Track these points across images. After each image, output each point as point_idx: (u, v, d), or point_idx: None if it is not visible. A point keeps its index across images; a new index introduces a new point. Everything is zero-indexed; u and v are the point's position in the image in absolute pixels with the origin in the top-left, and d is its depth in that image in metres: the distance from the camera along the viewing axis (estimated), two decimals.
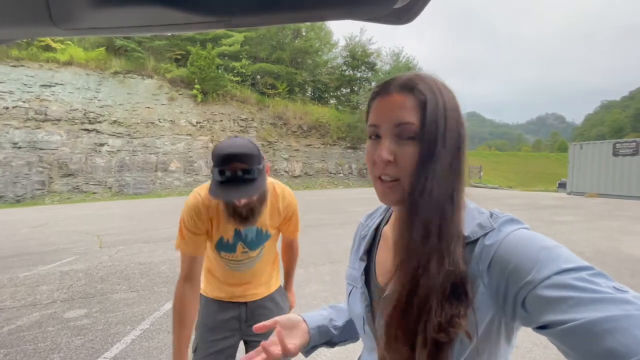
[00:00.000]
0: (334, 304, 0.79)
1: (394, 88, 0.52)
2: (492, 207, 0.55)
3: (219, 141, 1.52)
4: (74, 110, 16.40)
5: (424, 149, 0.49)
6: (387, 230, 0.65)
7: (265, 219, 1.28)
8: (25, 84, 15.82)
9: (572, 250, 0.43)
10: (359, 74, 27.25)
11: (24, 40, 14.38)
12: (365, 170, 23.00)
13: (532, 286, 0.40)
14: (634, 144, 14.01)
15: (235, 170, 1.00)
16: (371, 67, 27.21)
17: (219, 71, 21.27)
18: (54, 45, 17.49)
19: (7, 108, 15.19)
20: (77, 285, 4.10)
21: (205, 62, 19.14)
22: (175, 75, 19.35)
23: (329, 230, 7.07)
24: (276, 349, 0.61)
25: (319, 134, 22.71)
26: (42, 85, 16.12)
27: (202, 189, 1.21)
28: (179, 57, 21.12)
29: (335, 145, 22.90)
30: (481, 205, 0.55)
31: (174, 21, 0.46)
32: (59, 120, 16.00)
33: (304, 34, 25.99)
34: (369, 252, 0.66)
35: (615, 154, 14.39)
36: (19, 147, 14.91)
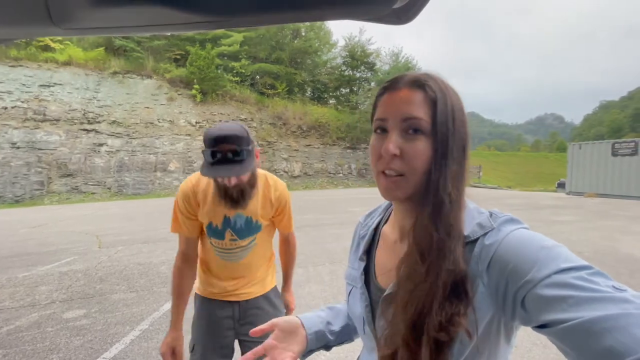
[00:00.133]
0: (332, 305, 0.78)
1: (404, 84, 0.53)
2: (491, 207, 0.55)
3: None
4: (73, 110, 16.38)
5: (437, 145, 0.50)
6: (387, 230, 0.65)
7: (256, 207, 1.29)
8: (24, 84, 15.80)
9: (571, 250, 0.43)
10: (358, 74, 27.27)
11: (23, 40, 14.37)
12: (364, 170, 23.02)
13: (532, 285, 0.40)
14: (633, 144, 14.04)
15: (225, 151, 1.06)
16: (370, 67, 27.22)
17: (218, 71, 21.26)
18: (52, 45, 17.47)
19: (5, 108, 15.16)
20: (76, 286, 4.10)
21: (205, 62, 19.13)
22: (175, 75, 19.34)
23: (328, 230, 7.07)
24: (275, 355, 0.60)
25: (319, 134, 22.72)
26: (40, 85, 16.10)
27: (194, 175, 1.29)
28: (178, 57, 21.11)
29: (334, 145, 22.91)
30: (481, 205, 0.55)
31: (173, 21, 0.45)
32: (57, 120, 15.98)
33: (303, 34, 26.00)
34: (368, 252, 0.66)
35: (614, 154, 14.42)
36: (18, 147, 14.89)
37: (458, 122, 0.51)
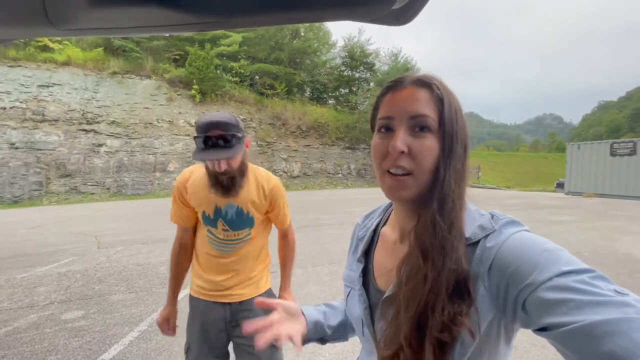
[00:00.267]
0: (329, 302, 0.78)
1: (409, 83, 0.53)
2: (490, 208, 0.55)
3: None
4: (72, 110, 16.35)
5: (444, 143, 0.50)
6: (386, 231, 0.64)
7: (247, 198, 1.32)
8: (22, 84, 15.76)
9: (570, 250, 0.43)
10: (357, 75, 27.30)
11: (22, 41, 14.33)
12: (364, 171, 23.02)
13: (533, 288, 0.40)
14: (631, 144, 14.08)
15: (215, 137, 1.13)
16: (370, 67, 27.26)
17: (218, 71, 21.25)
18: (51, 45, 17.43)
19: (4, 108, 15.13)
20: (75, 287, 4.09)
21: (204, 63, 19.12)
22: (174, 75, 19.32)
23: (328, 231, 7.06)
24: (279, 329, 0.64)
25: (318, 134, 22.72)
26: (39, 86, 16.07)
27: (192, 167, 1.39)
28: (177, 57, 21.10)
29: (334, 145, 22.91)
30: (480, 205, 0.55)
31: (171, 22, 0.45)
32: (56, 120, 15.95)
33: (302, 34, 26.01)
34: (367, 253, 0.65)
35: (612, 154, 14.46)
36: (17, 148, 14.86)
37: (461, 123, 0.52)
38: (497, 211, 0.53)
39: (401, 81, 0.54)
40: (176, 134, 18.18)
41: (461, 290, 0.45)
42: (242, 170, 1.27)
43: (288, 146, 21.38)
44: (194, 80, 19.07)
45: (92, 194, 15.64)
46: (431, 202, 0.50)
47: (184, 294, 1.77)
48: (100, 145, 16.52)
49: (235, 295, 1.35)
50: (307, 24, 24.12)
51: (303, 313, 0.70)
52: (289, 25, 22.67)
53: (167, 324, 1.40)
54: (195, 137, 1.15)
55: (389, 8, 0.47)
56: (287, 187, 19.57)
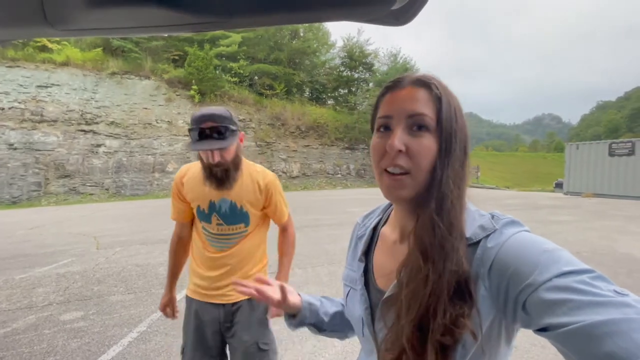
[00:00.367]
0: (330, 296, 0.79)
1: (407, 83, 0.53)
2: (489, 208, 0.55)
3: None
4: (71, 111, 16.32)
5: (442, 143, 0.50)
6: (386, 231, 0.64)
7: (241, 192, 1.33)
8: (21, 85, 15.73)
9: (569, 250, 0.43)
10: (356, 75, 27.31)
11: (20, 41, 14.30)
12: (363, 171, 23.02)
13: (533, 289, 0.40)
14: (630, 144, 14.12)
15: (208, 129, 1.17)
16: (369, 67, 27.27)
17: (217, 72, 21.24)
18: (50, 45, 17.40)
19: (2, 109, 15.09)
20: (74, 288, 4.08)
21: (203, 63, 19.11)
22: (173, 76, 19.30)
23: (327, 231, 7.06)
24: (269, 293, 0.68)
25: (317, 134, 22.72)
26: (38, 86, 16.04)
27: (188, 164, 1.43)
28: (176, 57, 21.07)
29: (333, 145, 22.92)
30: (479, 205, 0.55)
31: (170, 22, 0.45)
32: (55, 121, 15.91)
33: (301, 34, 26.01)
34: (367, 253, 0.65)
35: (611, 154, 14.49)
36: (15, 149, 14.82)
37: (460, 123, 0.52)
38: (498, 211, 0.53)
39: (400, 81, 0.54)
40: (175, 135, 18.15)
41: (462, 291, 0.45)
42: (236, 163, 1.30)
43: (287, 146, 21.37)
44: (193, 81, 19.05)
45: (91, 194, 15.61)
46: (429, 202, 0.49)
47: (182, 295, 1.77)
48: (99, 145, 16.48)
49: (229, 297, 1.35)
50: (307, 25, 24.14)
51: (300, 294, 0.73)
52: (288, 26, 22.69)
53: (167, 310, 1.50)
54: (189, 130, 1.19)
55: (389, 8, 0.47)
56: (287, 188, 19.55)
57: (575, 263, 0.41)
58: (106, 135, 16.75)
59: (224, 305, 1.35)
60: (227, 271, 1.35)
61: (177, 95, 19.23)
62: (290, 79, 24.34)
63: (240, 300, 1.36)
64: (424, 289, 0.46)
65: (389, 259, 0.60)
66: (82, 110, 16.55)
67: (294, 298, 0.71)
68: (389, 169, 0.51)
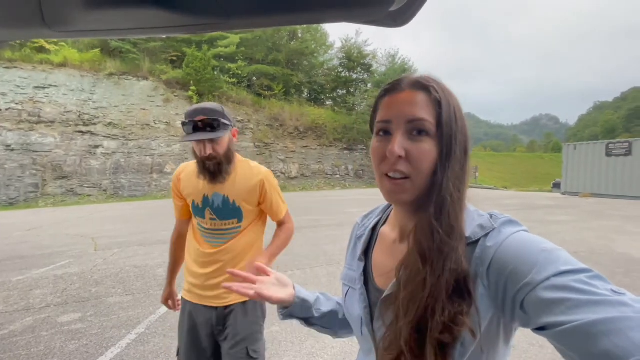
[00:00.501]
0: (328, 294, 0.79)
1: (406, 86, 0.53)
2: (487, 208, 0.55)
3: None
4: (68, 112, 16.25)
5: (442, 147, 0.50)
6: (386, 230, 0.64)
7: (234, 187, 1.35)
8: (18, 86, 15.65)
9: (567, 250, 0.44)
10: (355, 76, 27.33)
11: (18, 42, 14.24)
12: (361, 172, 23.03)
13: (531, 288, 0.40)
14: (627, 144, 14.21)
15: (200, 121, 1.22)
16: (367, 68, 27.30)
17: (215, 73, 21.20)
18: (47, 46, 17.34)
19: (0, 110, 15.01)
20: (72, 289, 4.06)
21: (201, 64, 19.08)
22: (171, 76, 19.26)
23: (326, 232, 7.06)
24: (262, 287, 0.67)
25: (316, 135, 22.72)
26: (35, 87, 15.97)
27: (186, 162, 1.47)
28: (174, 58, 21.04)
29: (331, 146, 22.92)
30: (477, 205, 0.56)
31: (168, 24, 0.45)
32: (52, 122, 15.85)
33: (299, 35, 26.03)
34: (366, 253, 0.65)
35: (608, 154, 14.57)
36: (12, 150, 14.74)
37: (460, 124, 0.52)
38: (496, 211, 0.53)
39: (399, 83, 0.54)
40: (173, 136, 18.10)
41: (461, 290, 0.45)
42: (228, 157, 1.33)
43: (286, 147, 21.36)
44: (191, 82, 19.01)
45: (89, 195, 15.54)
46: (429, 206, 0.50)
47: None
48: (96, 146, 16.42)
49: (223, 300, 1.35)
50: (305, 26, 24.16)
51: (294, 288, 0.72)
52: (287, 27, 22.68)
53: (169, 303, 1.54)
54: (183, 124, 1.24)
55: (387, 10, 0.47)
56: (285, 189, 19.53)
57: (573, 262, 0.41)
58: (104, 137, 16.69)
59: (216, 308, 1.36)
60: (220, 267, 1.35)
61: (175, 96, 19.19)
62: (288, 79, 24.34)
63: (234, 304, 1.36)
64: (422, 291, 0.46)
65: (388, 259, 0.60)
66: (79, 111, 16.49)
67: (287, 292, 0.70)
68: (390, 174, 0.51)
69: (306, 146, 22.10)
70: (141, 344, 2.73)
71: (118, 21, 0.43)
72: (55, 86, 16.44)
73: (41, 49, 17.19)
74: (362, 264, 0.64)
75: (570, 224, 7.73)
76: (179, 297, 1.52)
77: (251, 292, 0.64)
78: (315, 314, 0.72)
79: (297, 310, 0.71)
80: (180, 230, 1.53)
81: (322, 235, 6.77)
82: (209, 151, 1.25)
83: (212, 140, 1.25)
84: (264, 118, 21.48)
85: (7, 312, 3.43)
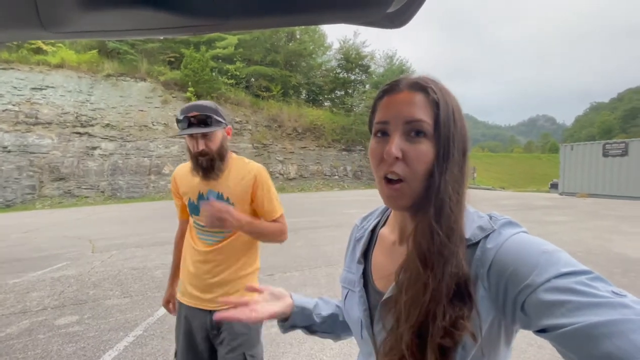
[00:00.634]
0: (327, 297, 0.78)
1: (404, 86, 0.52)
2: (485, 208, 0.55)
3: None
4: (66, 113, 16.18)
5: (440, 148, 0.49)
6: (385, 232, 0.64)
7: (227, 184, 1.37)
8: (15, 87, 15.57)
9: (564, 250, 0.44)
10: (353, 77, 27.38)
11: (14, 43, 14.19)
12: (360, 172, 23.05)
13: (532, 289, 0.40)
14: (623, 144, 14.30)
15: (193, 117, 1.25)
16: (365, 69, 27.36)
17: (213, 74, 21.19)
18: (45, 47, 17.27)
19: None
20: (69, 292, 4.03)
21: (199, 65, 19.06)
22: (169, 77, 19.22)
23: (325, 233, 7.06)
24: (256, 307, 0.66)
25: (314, 136, 22.73)
26: (32, 88, 15.89)
27: (183, 163, 1.49)
28: (172, 59, 21.01)
29: (330, 147, 22.93)
30: (475, 206, 0.56)
31: (166, 24, 0.45)
32: (50, 123, 15.77)
33: (298, 36, 26.06)
34: (365, 255, 0.65)
35: (605, 155, 14.66)
36: (9, 151, 14.66)
37: (459, 125, 0.51)
38: (496, 212, 0.53)
39: (397, 84, 0.53)
40: (171, 137, 18.05)
41: (462, 293, 0.45)
42: (221, 154, 1.34)
43: (284, 148, 21.36)
44: (190, 83, 18.97)
45: (87, 197, 15.47)
46: (428, 208, 0.49)
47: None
48: (94, 148, 16.36)
49: (217, 303, 1.33)
50: (303, 27, 24.19)
51: (292, 297, 0.71)
52: (285, 28, 22.70)
53: (169, 306, 1.54)
54: (177, 121, 1.28)
55: (385, 11, 0.47)
56: (284, 189, 19.53)
57: (573, 264, 0.41)
58: (102, 138, 16.63)
59: (211, 312, 1.34)
60: (214, 268, 1.35)
61: (174, 97, 19.14)
62: (286, 80, 24.36)
63: (228, 308, 1.34)
64: (424, 295, 0.46)
65: (388, 261, 0.59)
66: (77, 113, 16.42)
67: (284, 303, 0.69)
68: (388, 176, 0.51)
69: (304, 147, 22.10)
70: (139, 347, 2.72)
71: (115, 22, 0.43)
72: (53, 87, 16.36)
73: (38, 50, 17.12)
74: (361, 266, 0.63)
75: (567, 224, 7.76)
76: None
77: (245, 317, 0.63)
78: (317, 320, 0.72)
79: (297, 319, 0.70)
80: (182, 230, 1.55)
81: (320, 236, 6.76)
82: (201, 147, 1.27)
83: (205, 136, 1.27)
84: (262, 119, 21.47)
85: (4, 315, 3.40)
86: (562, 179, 16.47)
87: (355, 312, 0.61)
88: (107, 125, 16.93)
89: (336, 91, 27.46)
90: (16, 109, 15.29)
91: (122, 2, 0.39)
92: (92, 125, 16.62)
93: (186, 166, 1.45)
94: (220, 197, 1.36)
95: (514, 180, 32.11)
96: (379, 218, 0.68)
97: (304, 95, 27.42)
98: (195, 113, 1.26)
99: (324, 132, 22.90)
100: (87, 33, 0.46)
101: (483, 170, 32.04)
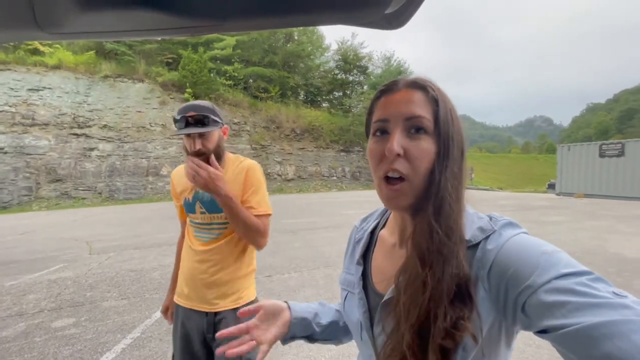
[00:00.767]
0: (325, 302, 0.77)
1: (403, 85, 0.53)
2: (483, 208, 0.55)
3: None
4: (63, 114, 16.12)
5: (440, 145, 0.49)
6: (384, 234, 0.64)
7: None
8: (12, 88, 15.49)
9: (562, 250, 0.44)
10: (351, 78, 27.46)
11: (11, 44, 14.12)
12: (358, 173, 23.08)
13: (532, 290, 0.40)
14: (619, 145, 14.39)
15: (190, 117, 1.27)
16: (363, 70, 27.44)
17: (211, 75, 21.17)
18: (42, 48, 17.20)
19: None
20: (66, 294, 4.01)
21: (197, 66, 19.05)
22: (167, 79, 19.19)
23: (323, 234, 7.04)
24: (257, 334, 0.65)
25: (312, 137, 22.74)
26: (29, 89, 15.81)
27: (181, 165, 1.48)
28: (170, 60, 20.98)
29: (328, 148, 22.95)
30: (474, 206, 0.55)
31: (164, 25, 0.45)
32: (47, 124, 15.70)
33: (296, 37, 26.10)
34: (365, 256, 0.64)
35: (601, 155, 14.75)
36: (5, 153, 14.57)
37: (456, 124, 0.52)
38: (495, 213, 0.53)
39: (395, 84, 0.54)
40: (169, 138, 18.01)
41: (463, 294, 0.45)
42: (218, 154, 1.35)
43: (282, 149, 21.35)
44: (187, 84, 18.95)
45: (84, 198, 15.40)
46: (427, 207, 0.49)
47: None
48: (91, 149, 16.29)
49: (213, 305, 1.33)
50: (301, 28, 24.21)
51: (290, 309, 0.70)
52: (283, 29, 22.72)
53: (167, 314, 1.52)
54: (174, 120, 1.29)
55: (383, 12, 0.48)
56: (282, 190, 19.52)
57: (574, 265, 0.41)
58: (99, 139, 16.56)
59: (207, 314, 1.34)
60: (210, 267, 1.34)
61: (171, 98, 19.11)
62: (284, 81, 24.37)
63: (224, 311, 1.34)
64: (423, 294, 0.45)
65: (387, 262, 0.59)
66: (74, 114, 16.35)
67: (282, 321, 0.68)
68: (389, 174, 0.51)
69: (303, 148, 22.10)
70: (137, 349, 2.70)
71: (113, 23, 0.43)
72: (50, 88, 16.30)
73: (35, 51, 17.05)
74: (360, 268, 0.63)
75: (565, 225, 7.80)
76: None
77: (248, 348, 0.63)
78: (317, 329, 0.71)
79: (297, 330, 0.69)
80: (183, 231, 1.55)
81: (319, 237, 6.75)
82: (198, 146, 1.28)
83: (201, 136, 1.28)
84: (260, 120, 21.47)
85: (0, 318, 3.38)
86: (559, 179, 16.55)
87: (354, 314, 0.61)
88: (105, 126, 16.87)
89: (334, 92, 27.51)
90: (13, 110, 15.22)
91: (119, 3, 0.39)
92: (89, 127, 16.56)
93: (183, 167, 1.45)
94: None
95: (511, 180, 32.24)
96: (378, 219, 0.68)
97: (302, 96, 27.44)
98: (192, 113, 1.27)
99: (322, 133, 22.92)
100: (85, 34, 0.46)
101: (481, 170, 32.18)
